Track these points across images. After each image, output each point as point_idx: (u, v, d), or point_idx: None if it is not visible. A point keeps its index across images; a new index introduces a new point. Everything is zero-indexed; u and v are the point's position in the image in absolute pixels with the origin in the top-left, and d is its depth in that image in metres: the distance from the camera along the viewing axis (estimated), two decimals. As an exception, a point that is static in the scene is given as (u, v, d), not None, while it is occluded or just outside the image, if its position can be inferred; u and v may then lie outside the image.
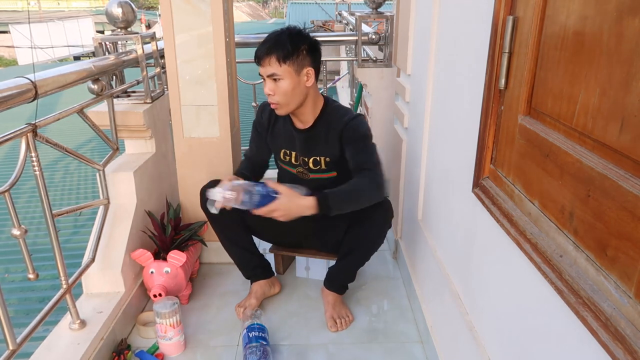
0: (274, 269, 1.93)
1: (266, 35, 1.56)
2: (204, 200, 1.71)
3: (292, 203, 1.45)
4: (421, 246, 1.70)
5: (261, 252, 1.89)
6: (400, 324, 1.73)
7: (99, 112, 1.77)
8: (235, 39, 2.03)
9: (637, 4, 0.58)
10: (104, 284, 1.69)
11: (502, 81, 0.96)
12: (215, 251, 2.06)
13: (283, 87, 1.52)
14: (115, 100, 1.82)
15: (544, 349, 0.83)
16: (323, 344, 1.64)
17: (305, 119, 1.63)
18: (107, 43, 1.89)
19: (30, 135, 1.30)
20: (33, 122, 1.32)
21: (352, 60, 2.89)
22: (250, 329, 1.56)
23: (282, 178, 1.81)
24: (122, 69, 1.89)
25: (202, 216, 1.98)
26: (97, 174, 1.69)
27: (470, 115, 1.14)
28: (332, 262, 1.82)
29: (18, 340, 1.24)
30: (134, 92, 1.96)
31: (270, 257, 1.96)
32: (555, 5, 0.78)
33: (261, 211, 1.45)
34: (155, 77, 2.08)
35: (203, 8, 1.77)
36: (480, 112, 1.07)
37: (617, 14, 0.61)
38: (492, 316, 1.08)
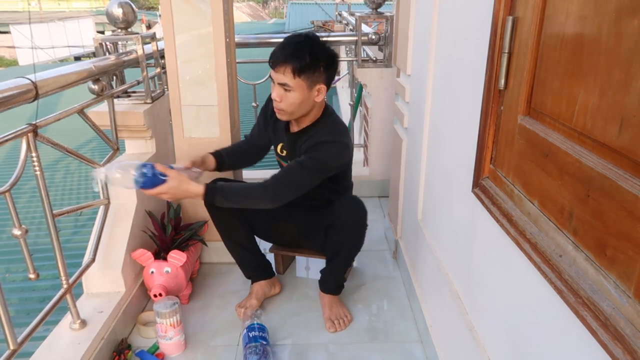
0: (274, 269, 1.93)
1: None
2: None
3: (179, 188, 1.46)
4: (421, 246, 1.70)
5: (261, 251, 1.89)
6: (400, 324, 1.74)
7: (100, 112, 1.77)
8: (235, 39, 2.03)
9: (636, 4, 0.58)
10: (104, 284, 1.69)
11: (502, 81, 0.96)
12: (216, 251, 2.06)
13: (291, 98, 1.49)
14: (115, 100, 1.83)
15: (544, 348, 0.83)
16: (323, 344, 1.64)
17: (300, 125, 1.62)
18: (108, 43, 1.89)
19: (30, 135, 1.30)
20: (34, 122, 1.32)
21: (352, 61, 2.89)
22: (250, 328, 1.56)
23: None
24: (122, 69, 1.90)
25: (202, 216, 1.98)
26: (98, 174, 1.69)
27: (470, 116, 1.14)
28: (332, 262, 1.82)
29: (19, 339, 1.25)
30: (134, 92, 1.96)
31: (270, 257, 1.97)
32: (555, 6, 0.78)
33: (149, 192, 1.46)
34: (156, 78, 2.09)
35: (203, 8, 1.77)
36: (480, 112, 1.07)
37: (617, 14, 0.61)
38: (492, 316, 1.08)
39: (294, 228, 1.85)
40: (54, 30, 17.55)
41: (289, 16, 17.76)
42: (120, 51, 1.90)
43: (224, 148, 1.78)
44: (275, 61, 1.47)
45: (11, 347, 1.22)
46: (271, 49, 2.96)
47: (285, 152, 1.72)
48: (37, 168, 1.33)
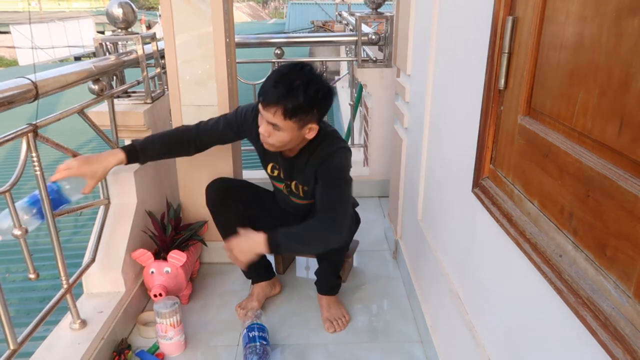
0: (274, 269, 1.93)
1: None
2: (209, 197, 1.73)
3: (244, 238, 1.46)
4: (421, 246, 1.70)
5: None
6: (400, 324, 1.74)
7: (100, 112, 1.77)
8: (235, 39, 2.03)
9: (636, 4, 0.58)
10: (104, 284, 1.69)
11: (502, 81, 0.96)
12: (216, 251, 2.06)
13: (280, 136, 1.41)
14: (115, 100, 1.83)
15: (543, 348, 0.83)
16: (323, 344, 1.64)
17: (294, 151, 1.56)
18: (108, 43, 1.89)
19: (31, 135, 1.30)
20: (34, 123, 1.32)
21: (352, 61, 2.89)
22: (250, 328, 1.56)
23: (275, 194, 1.81)
24: (122, 70, 1.89)
25: (202, 216, 1.98)
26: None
27: (470, 116, 1.14)
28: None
29: (19, 339, 1.25)
30: (134, 92, 1.96)
31: (270, 257, 1.96)
32: (555, 6, 0.78)
33: (226, 244, 1.49)
34: (156, 78, 2.09)
35: (203, 8, 1.77)
36: (480, 112, 1.07)
37: (616, 14, 0.61)
38: (492, 316, 1.08)
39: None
40: (54, 30, 17.55)
41: (289, 16, 17.75)
42: (120, 51, 1.90)
43: (150, 137, 1.61)
44: (265, 100, 1.36)
45: (11, 347, 1.22)
46: (271, 49, 2.95)
47: (276, 172, 1.67)
48: (37, 168, 1.33)
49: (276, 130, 1.39)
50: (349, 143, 3.41)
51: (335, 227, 1.46)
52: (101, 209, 1.74)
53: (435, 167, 1.54)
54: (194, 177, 1.97)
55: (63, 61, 16.07)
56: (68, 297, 1.48)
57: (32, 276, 1.31)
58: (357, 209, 1.92)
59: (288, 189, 1.69)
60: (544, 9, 0.81)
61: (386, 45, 2.66)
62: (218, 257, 2.09)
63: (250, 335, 1.54)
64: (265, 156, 1.65)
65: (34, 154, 1.31)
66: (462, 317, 1.23)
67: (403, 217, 2.02)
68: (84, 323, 1.53)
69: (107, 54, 1.87)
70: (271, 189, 1.84)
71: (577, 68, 0.71)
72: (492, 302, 1.08)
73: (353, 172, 1.81)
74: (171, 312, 1.54)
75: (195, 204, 1.99)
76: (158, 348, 1.60)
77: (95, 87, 1.67)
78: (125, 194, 1.79)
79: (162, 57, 1.96)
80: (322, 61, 2.84)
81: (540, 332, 0.84)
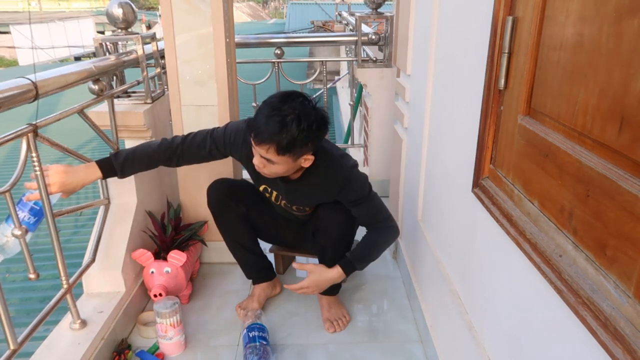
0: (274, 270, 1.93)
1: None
2: (210, 198, 1.73)
3: (322, 278, 1.59)
4: (421, 246, 1.70)
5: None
6: (400, 324, 1.74)
7: (100, 112, 1.77)
8: (235, 39, 2.03)
9: (636, 4, 0.58)
10: (104, 284, 1.69)
11: (502, 81, 0.96)
12: (216, 251, 2.06)
13: (275, 169, 1.39)
14: (115, 100, 1.82)
15: (543, 348, 0.83)
16: (323, 344, 1.64)
17: (296, 175, 1.53)
18: (108, 43, 1.89)
19: (31, 135, 1.30)
20: (34, 123, 1.32)
21: (352, 61, 2.89)
22: (250, 328, 1.56)
23: (273, 204, 1.78)
24: (122, 70, 1.89)
25: (202, 216, 1.98)
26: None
27: (470, 116, 1.14)
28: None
29: (19, 339, 1.24)
30: (134, 92, 1.96)
31: (270, 257, 1.96)
32: (555, 6, 0.78)
33: (291, 287, 1.61)
34: (156, 78, 2.09)
35: (203, 8, 1.77)
36: (480, 112, 1.07)
37: (616, 14, 0.61)
38: (492, 316, 1.08)
39: (294, 229, 1.85)
40: (54, 31, 17.55)
41: (289, 16, 17.76)
42: (120, 51, 1.90)
43: (131, 154, 1.54)
44: (257, 137, 1.31)
45: (11, 347, 1.22)
46: (271, 49, 2.94)
47: (272, 194, 1.65)
48: (37, 168, 1.33)
49: (270, 163, 1.37)
50: (349, 143, 3.41)
51: (392, 230, 1.60)
52: (101, 209, 1.74)
53: (435, 167, 1.54)
54: (194, 177, 1.98)
55: (63, 61, 16.07)
56: (68, 297, 1.48)
57: (32, 276, 1.31)
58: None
59: (287, 206, 1.70)
60: (544, 9, 0.81)
61: (386, 45, 2.66)
62: (218, 257, 2.09)
63: (251, 335, 1.54)
64: (258, 178, 1.60)
65: (34, 154, 1.31)
66: (462, 317, 1.23)
67: (403, 217, 2.02)
68: (84, 323, 1.53)
69: (107, 54, 1.87)
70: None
71: (577, 68, 0.71)
72: (492, 302, 1.08)
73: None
74: (171, 312, 1.54)
75: (195, 204, 1.99)
76: (158, 348, 1.60)
77: (95, 87, 1.67)
78: (125, 194, 1.79)
79: (162, 57, 1.96)
80: (322, 61, 2.84)
81: (541, 332, 0.84)
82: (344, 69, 6.65)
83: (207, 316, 1.79)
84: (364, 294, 1.92)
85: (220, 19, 1.78)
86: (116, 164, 1.50)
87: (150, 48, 1.99)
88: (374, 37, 2.68)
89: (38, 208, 1.40)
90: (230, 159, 1.97)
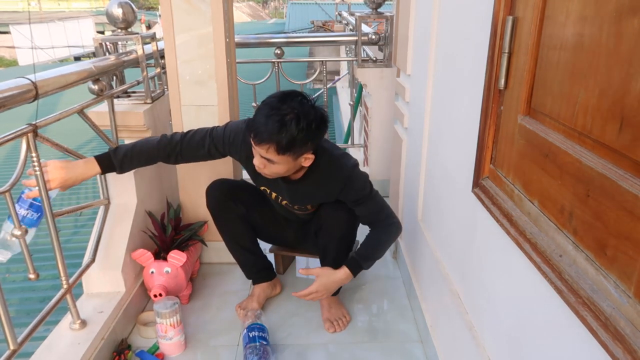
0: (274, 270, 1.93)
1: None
2: (209, 199, 1.72)
3: (330, 281, 1.59)
4: (421, 246, 1.70)
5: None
6: (400, 324, 1.74)
7: (100, 112, 1.77)
8: (235, 39, 2.03)
9: (636, 4, 0.58)
10: (104, 284, 1.69)
11: (502, 81, 0.96)
12: (216, 251, 2.06)
13: (276, 169, 1.39)
14: (115, 100, 1.82)
15: (544, 348, 0.83)
16: (323, 344, 1.64)
17: (297, 175, 1.53)
18: (108, 43, 1.89)
19: (30, 135, 1.30)
20: (34, 123, 1.32)
21: (352, 61, 2.89)
22: (250, 328, 1.56)
23: (273, 203, 1.77)
24: (122, 70, 1.89)
25: (202, 216, 1.98)
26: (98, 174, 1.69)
27: (470, 116, 1.14)
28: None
29: (19, 340, 1.24)
30: (134, 92, 1.96)
31: (270, 257, 1.96)
32: (555, 6, 0.78)
33: (299, 294, 1.60)
34: (156, 78, 2.09)
35: (203, 8, 1.77)
36: (480, 112, 1.07)
37: (617, 14, 0.61)
38: (492, 316, 1.08)
39: (294, 229, 1.85)
40: (53, 30, 17.55)
41: (289, 16, 17.75)
42: (120, 51, 1.90)
43: (130, 150, 1.53)
44: (256, 137, 1.32)
45: (11, 347, 1.22)
46: (271, 49, 2.94)
47: (275, 194, 1.65)
48: (37, 168, 1.33)
49: (271, 163, 1.38)
50: (349, 143, 3.41)
51: (395, 227, 1.61)
52: (101, 209, 1.74)
53: (435, 167, 1.54)
54: (194, 177, 1.97)
55: (63, 61, 16.07)
56: (68, 297, 1.48)
57: (32, 276, 1.31)
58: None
59: (288, 206, 1.69)
60: (544, 9, 0.81)
61: (386, 45, 2.66)
62: (218, 257, 2.09)
63: (251, 335, 1.54)
64: (257, 178, 1.60)
65: (33, 154, 1.31)
66: (462, 317, 1.23)
67: (403, 217, 2.02)
68: (84, 323, 1.53)
69: (107, 54, 1.87)
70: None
71: (577, 68, 0.71)
72: (492, 302, 1.08)
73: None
74: (171, 312, 1.54)
75: (195, 204, 1.99)
76: (158, 348, 1.60)
77: (95, 87, 1.67)
78: (125, 194, 1.79)
79: (162, 57, 1.96)
80: (322, 61, 2.84)
81: (541, 332, 0.84)
82: (344, 68, 6.66)
83: (207, 316, 1.79)
84: (364, 294, 1.92)
85: (220, 19, 1.78)
86: (115, 160, 1.50)
87: (150, 48, 1.99)
88: (374, 37, 2.68)
89: (38, 204, 1.40)
90: (230, 159, 1.97)
